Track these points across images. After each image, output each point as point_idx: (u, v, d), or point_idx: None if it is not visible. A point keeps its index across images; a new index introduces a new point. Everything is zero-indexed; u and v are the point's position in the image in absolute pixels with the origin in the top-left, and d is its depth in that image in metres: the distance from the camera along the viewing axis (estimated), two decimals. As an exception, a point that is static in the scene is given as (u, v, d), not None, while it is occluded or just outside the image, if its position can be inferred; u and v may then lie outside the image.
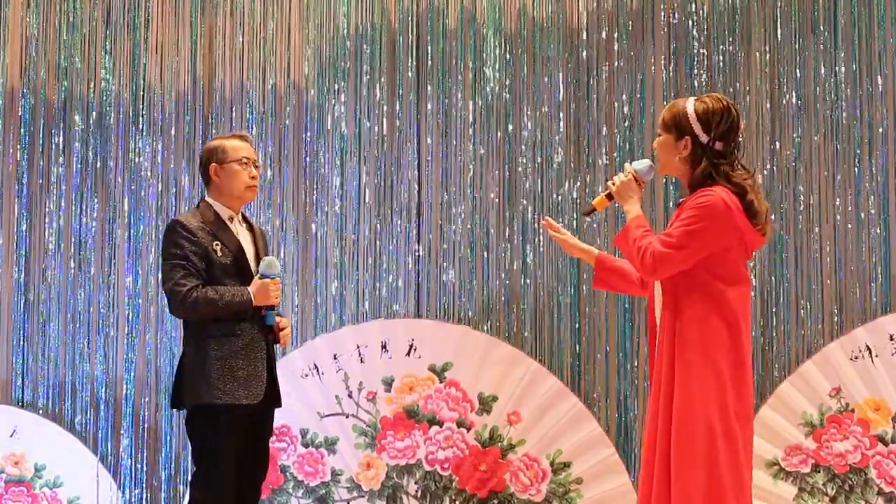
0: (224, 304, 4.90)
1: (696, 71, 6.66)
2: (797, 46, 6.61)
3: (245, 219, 5.19)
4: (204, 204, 5.10)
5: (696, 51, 6.68)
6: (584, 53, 6.79)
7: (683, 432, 4.12)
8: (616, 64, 6.75)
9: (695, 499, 4.08)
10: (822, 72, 6.57)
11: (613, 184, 4.36)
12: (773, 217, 6.40)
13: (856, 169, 6.51)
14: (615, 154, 6.71)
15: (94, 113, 7.18)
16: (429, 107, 6.90)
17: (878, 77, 6.52)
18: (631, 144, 6.69)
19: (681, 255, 4.15)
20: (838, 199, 6.50)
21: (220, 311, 4.89)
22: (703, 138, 4.23)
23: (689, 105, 4.26)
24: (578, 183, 6.74)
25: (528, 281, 6.73)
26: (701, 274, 4.18)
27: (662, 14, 6.71)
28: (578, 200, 6.71)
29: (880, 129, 6.51)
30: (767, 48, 6.62)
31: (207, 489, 4.85)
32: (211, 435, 4.88)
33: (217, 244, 4.96)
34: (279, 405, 5.10)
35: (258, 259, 5.09)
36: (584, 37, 6.79)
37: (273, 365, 5.04)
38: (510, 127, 6.83)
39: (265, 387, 4.93)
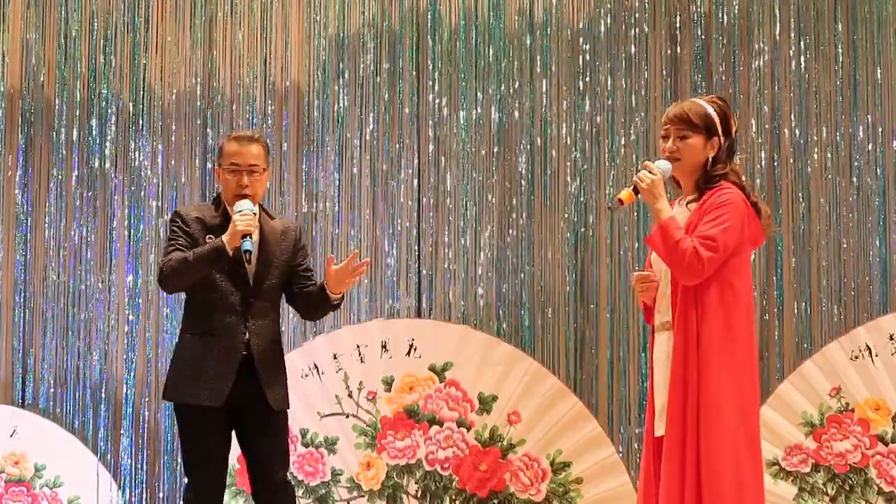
0: (195, 256, 4.76)
1: (696, 70, 6.66)
2: (797, 46, 6.60)
3: (264, 213, 5.01)
4: (217, 198, 5.02)
5: (696, 50, 6.68)
6: (585, 52, 6.78)
7: (712, 434, 4.17)
8: (616, 62, 6.74)
9: (726, 499, 4.13)
10: (822, 71, 6.56)
11: (642, 180, 4.33)
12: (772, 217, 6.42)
13: (856, 168, 6.50)
14: (615, 154, 6.71)
15: (93, 113, 7.18)
16: (429, 106, 6.89)
17: (878, 76, 6.52)
18: (631, 143, 6.68)
19: (722, 254, 4.21)
20: (838, 199, 6.49)
21: (194, 268, 4.75)
22: (724, 139, 4.36)
23: (707, 106, 4.38)
24: (579, 182, 6.73)
25: (528, 281, 6.72)
26: (721, 269, 4.24)
27: (664, 12, 6.71)
28: (579, 199, 6.71)
29: (880, 128, 6.50)
30: (767, 48, 6.62)
31: (194, 490, 4.84)
32: (188, 435, 4.87)
33: (210, 238, 4.85)
34: (273, 409, 4.90)
35: (265, 264, 4.91)
36: (585, 35, 6.79)
37: (255, 367, 4.85)
38: (510, 127, 6.82)
39: (229, 389, 4.78)
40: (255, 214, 4.81)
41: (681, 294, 4.26)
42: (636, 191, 4.37)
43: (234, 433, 4.96)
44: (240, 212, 4.77)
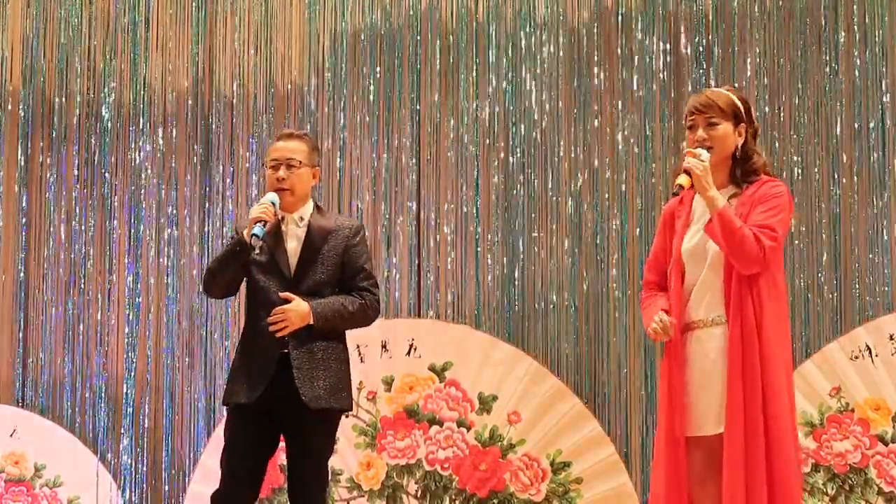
0: (222, 253, 4.85)
1: (696, 68, 6.66)
2: (797, 43, 6.60)
3: (317, 211, 4.97)
4: None
5: (696, 48, 6.68)
6: (585, 51, 6.78)
7: (778, 426, 4.17)
8: (616, 62, 6.75)
9: (795, 490, 4.16)
10: (822, 70, 6.57)
11: (696, 167, 4.24)
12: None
13: (856, 168, 6.50)
14: (616, 153, 6.71)
15: (93, 112, 7.19)
16: (429, 106, 6.90)
17: (877, 74, 6.51)
18: (632, 142, 6.69)
19: (779, 245, 4.25)
20: (838, 199, 6.49)
21: (221, 265, 4.82)
22: (749, 127, 4.34)
23: (730, 94, 4.35)
24: (580, 182, 6.74)
25: (529, 280, 6.72)
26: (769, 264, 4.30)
27: (662, 10, 6.71)
28: (579, 198, 6.71)
29: (880, 128, 6.50)
30: (767, 46, 6.62)
31: (220, 487, 4.83)
32: (224, 433, 4.88)
33: (262, 242, 4.83)
34: (308, 408, 4.79)
35: (308, 260, 4.86)
36: (585, 34, 6.79)
37: (290, 366, 4.77)
38: (510, 126, 6.83)
39: (263, 388, 4.75)
40: (273, 204, 4.79)
41: (735, 287, 4.23)
42: (688, 174, 4.29)
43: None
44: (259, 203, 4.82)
